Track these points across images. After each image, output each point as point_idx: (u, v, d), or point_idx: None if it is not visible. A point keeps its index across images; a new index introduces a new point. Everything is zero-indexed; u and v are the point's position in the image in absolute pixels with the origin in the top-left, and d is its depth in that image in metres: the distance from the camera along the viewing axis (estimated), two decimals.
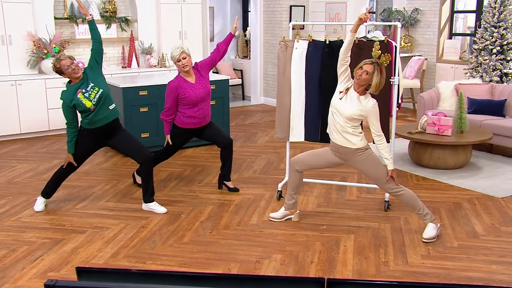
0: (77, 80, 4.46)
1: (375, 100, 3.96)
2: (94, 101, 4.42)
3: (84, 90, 4.43)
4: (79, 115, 4.55)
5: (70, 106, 4.45)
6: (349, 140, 4.03)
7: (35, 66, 7.57)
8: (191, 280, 1.67)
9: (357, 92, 3.96)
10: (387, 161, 4.06)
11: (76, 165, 4.69)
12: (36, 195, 5.09)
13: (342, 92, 4.01)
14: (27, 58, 7.50)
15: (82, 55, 8.17)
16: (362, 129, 4.12)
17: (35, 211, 4.71)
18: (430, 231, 4.13)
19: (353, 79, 4.00)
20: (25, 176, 5.76)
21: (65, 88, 4.56)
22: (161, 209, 4.69)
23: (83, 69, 4.55)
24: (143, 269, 1.78)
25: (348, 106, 3.95)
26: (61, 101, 4.51)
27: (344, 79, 4.04)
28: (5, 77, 7.29)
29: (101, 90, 4.46)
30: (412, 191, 4.25)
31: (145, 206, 4.74)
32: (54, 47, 7.53)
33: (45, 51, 7.49)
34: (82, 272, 1.72)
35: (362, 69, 3.87)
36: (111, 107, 4.56)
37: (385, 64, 4.03)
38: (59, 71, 4.43)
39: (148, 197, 4.73)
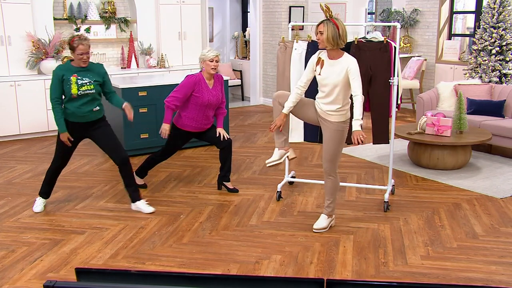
0: (79, 66, 4.42)
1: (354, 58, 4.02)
2: (80, 93, 4.37)
3: (79, 77, 4.37)
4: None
5: (60, 79, 4.36)
6: (337, 115, 4.06)
7: (34, 67, 7.57)
8: (191, 281, 1.67)
9: (333, 59, 4.00)
10: (355, 121, 3.96)
11: (71, 145, 4.53)
12: (35, 196, 5.08)
13: (317, 66, 4.06)
14: (26, 58, 7.50)
15: None
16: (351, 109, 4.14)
17: (35, 211, 4.71)
18: (322, 221, 4.29)
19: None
20: (24, 177, 5.76)
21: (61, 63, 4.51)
22: (148, 209, 4.70)
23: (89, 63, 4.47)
24: (142, 270, 1.77)
25: (333, 74, 3.98)
26: (53, 74, 4.40)
27: (313, 74, 4.13)
28: (4, 78, 7.28)
29: (93, 91, 4.43)
30: (339, 181, 4.31)
31: (133, 206, 4.75)
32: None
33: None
34: (81, 273, 1.72)
35: (317, 33, 3.99)
36: (95, 109, 4.51)
37: (332, 15, 4.02)
38: (72, 48, 4.35)
39: (136, 196, 4.74)
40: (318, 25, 3.98)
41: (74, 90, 4.36)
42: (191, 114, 4.98)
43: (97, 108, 4.54)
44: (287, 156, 4.42)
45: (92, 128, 4.58)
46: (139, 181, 5.34)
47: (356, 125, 3.97)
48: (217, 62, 4.92)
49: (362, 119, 3.98)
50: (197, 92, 4.91)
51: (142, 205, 4.72)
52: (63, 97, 4.46)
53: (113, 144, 4.62)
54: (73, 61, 4.45)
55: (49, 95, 7.31)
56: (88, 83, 4.41)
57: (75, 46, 4.33)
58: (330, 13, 3.99)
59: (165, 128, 4.96)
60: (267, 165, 4.37)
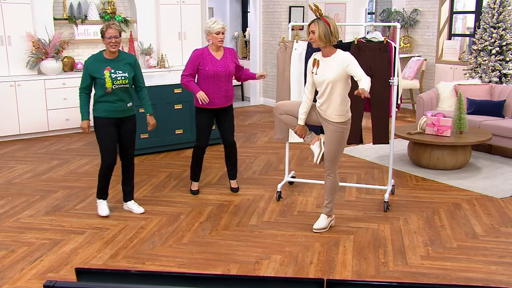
0: (111, 56, 4.37)
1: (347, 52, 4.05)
2: (114, 87, 4.33)
3: (113, 71, 4.33)
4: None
5: (89, 72, 4.33)
6: (336, 115, 4.06)
7: (34, 67, 7.57)
8: (190, 281, 1.67)
9: (327, 56, 4.01)
10: (360, 82, 3.91)
11: (88, 131, 4.49)
12: (35, 196, 5.09)
13: (313, 67, 4.07)
14: (26, 58, 7.50)
15: (82, 56, 8.18)
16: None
17: (102, 216, 4.57)
18: (321, 221, 4.31)
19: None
20: (24, 177, 5.75)
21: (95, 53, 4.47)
22: (139, 210, 4.69)
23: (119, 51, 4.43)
24: (142, 270, 1.77)
25: (328, 71, 3.98)
26: (84, 64, 4.39)
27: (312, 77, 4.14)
28: (4, 78, 7.28)
29: (127, 85, 4.39)
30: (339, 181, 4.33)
31: (125, 206, 4.76)
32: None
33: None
34: (81, 273, 1.72)
35: (309, 33, 4.00)
36: (129, 105, 4.48)
37: (322, 13, 4.04)
38: (102, 34, 4.34)
39: (129, 196, 4.74)
40: (309, 25, 4.00)
41: (108, 84, 4.31)
42: (202, 87, 4.88)
43: (130, 104, 4.50)
44: (323, 142, 4.37)
45: (122, 121, 4.50)
46: (195, 186, 5.25)
47: (367, 86, 3.83)
48: (223, 34, 4.83)
49: (369, 84, 3.86)
50: (202, 65, 4.85)
51: (133, 206, 4.72)
52: (94, 91, 4.40)
53: (129, 143, 4.59)
54: (105, 51, 4.40)
55: (49, 96, 7.41)
56: (121, 77, 4.35)
57: (104, 30, 4.31)
58: (320, 12, 4.02)
59: (201, 94, 4.77)
60: (318, 163, 4.34)
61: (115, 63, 4.37)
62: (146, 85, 6.35)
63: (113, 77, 4.32)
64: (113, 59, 4.38)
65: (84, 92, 4.41)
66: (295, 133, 4.35)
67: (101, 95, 4.36)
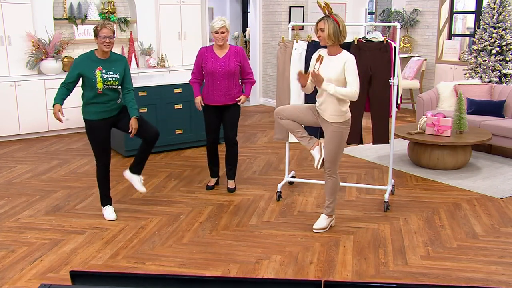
0: (103, 56, 4.33)
1: (352, 55, 4.02)
2: (105, 87, 4.30)
3: (104, 71, 4.29)
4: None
5: (77, 72, 4.27)
6: (334, 115, 4.04)
7: (34, 67, 7.57)
8: (188, 283, 1.67)
9: (332, 55, 4.00)
10: (329, 85, 3.90)
11: (63, 121, 4.42)
12: (35, 196, 5.09)
13: (316, 63, 4.05)
14: (26, 58, 7.50)
15: None
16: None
17: (109, 220, 4.52)
18: (321, 221, 4.31)
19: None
20: (24, 177, 5.75)
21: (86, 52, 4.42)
22: (141, 188, 4.65)
23: (110, 53, 4.39)
24: (138, 273, 1.77)
25: (330, 69, 3.97)
26: (74, 62, 4.33)
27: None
28: (4, 78, 7.28)
29: (117, 87, 4.37)
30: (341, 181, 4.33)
31: (128, 175, 4.66)
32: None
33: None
34: (76, 276, 1.71)
35: (317, 30, 3.98)
36: (118, 102, 4.46)
37: (332, 11, 4.02)
38: (95, 33, 4.29)
39: (138, 169, 4.65)
40: (318, 23, 3.98)
41: (99, 84, 4.27)
42: (206, 84, 5.01)
43: (119, 100, 4.48)
44: (323, 147, 4.35)
45: (117, 119, 4.48)
46: (211, 182, 5.34)
47: (325, 84, 3.88)
48: (223, 33, 4.82)
49: (336, 92, 3.87)
50: (204, 63, 4.95)
51: (137, 181, 4.64)
52: (83, 93, 4.36)
53: (142, 127, 4.47)
54: (96, 50, 4.36)
55: (49, 96, 7.41)
56: (112, 79, 4.32)
57: (98, 29, 4.26)
58: (330, 9, 3.99)
59: (196, 101, 5.03)
60: (318, 168, 4.33)
61: (107, 63, 4.34)
62: (145, 86, 6.42)
63: (104, 77, 4.29)
64: (105, 60, 4.35)
65: (65, 87, 4.32)
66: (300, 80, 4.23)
67: (92, 97, 4.33)
